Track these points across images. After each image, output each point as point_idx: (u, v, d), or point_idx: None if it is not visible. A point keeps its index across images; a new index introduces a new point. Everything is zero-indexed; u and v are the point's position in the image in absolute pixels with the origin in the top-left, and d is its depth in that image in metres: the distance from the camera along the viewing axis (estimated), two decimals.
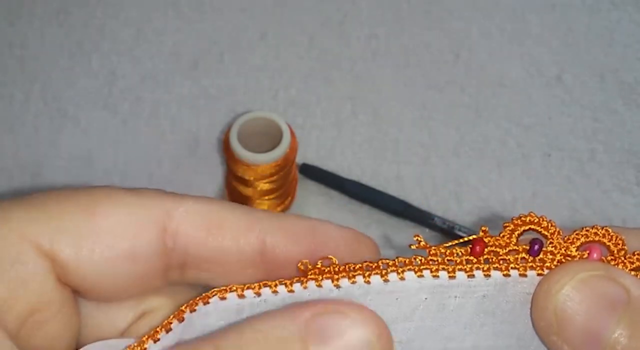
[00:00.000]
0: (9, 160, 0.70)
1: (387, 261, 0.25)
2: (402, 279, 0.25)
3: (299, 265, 0.26)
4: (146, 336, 0.25)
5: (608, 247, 0.26)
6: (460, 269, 0.25)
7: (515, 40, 0.81)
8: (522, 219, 0.26)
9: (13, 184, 0.68)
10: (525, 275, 0.25)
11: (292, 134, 0.62)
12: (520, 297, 0.26)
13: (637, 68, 0.78)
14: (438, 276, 0.25)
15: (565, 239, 0.26)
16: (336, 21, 0.81)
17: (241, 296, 0.25)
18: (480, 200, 0.68)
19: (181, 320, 0.25)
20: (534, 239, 0.25)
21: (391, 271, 0.25)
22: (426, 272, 0.25)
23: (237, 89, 0.76)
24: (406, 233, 0.66)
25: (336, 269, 0.25)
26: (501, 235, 0.26)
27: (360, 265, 0.25)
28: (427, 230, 0.65)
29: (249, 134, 0.61)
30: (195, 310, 0.25)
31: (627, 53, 0.80)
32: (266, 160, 0.59)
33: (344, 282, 0.25)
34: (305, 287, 0.25)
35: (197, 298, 0.25)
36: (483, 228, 0.26)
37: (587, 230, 0.26)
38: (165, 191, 0.27)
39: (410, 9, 0.83)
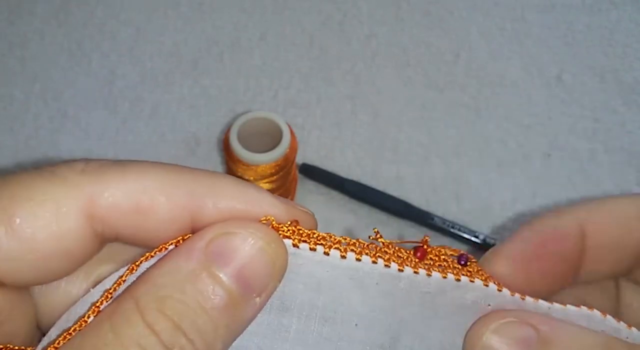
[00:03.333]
0: (8, 160, 0.70)
1: (348, 240, 0.28)
2: (359, 259, 0.28)
3: (262, 220, 0.27)
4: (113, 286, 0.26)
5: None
6: (407, 264, 0.29)
7: (515, 40, 0.81)
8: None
9: None
10: (459, 280, 0.30)
11: (292, 134, 0.62)
12: (457, 301, 0.30)
13: (637, 68, 0.78)
14: (389, 266, 0.29)
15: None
16: (336, 21, 0.81)
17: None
18: (480, 200, 0.68)
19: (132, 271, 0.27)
20: (461, 254, 0.31)
21: (350, 250, 0.28)
22: (380, 261, 0.29)
23: (237, 89, 0.76)
24: (406, 233, 0.66)
25: (300, 231, 0.28)
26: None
27: (324, 235, 0.28)
28: (426, 230, 0.65)
29: (249, 134, 0.61)
30: (139, 266, 0.27)
31: (627, 53, 0.80)
32: (266, 160, 0.59)
33: (304, 246, 0.28)
34: None
35: (142, 257, 0.27)
36: (426, 237, 0.31)
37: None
38: (87, 172, 0.26)
39: (410, 9, 0.83)
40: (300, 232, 0.28)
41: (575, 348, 0.26)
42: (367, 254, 0.29)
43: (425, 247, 0.30)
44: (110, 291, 0.26)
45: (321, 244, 0.28)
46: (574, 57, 0.79)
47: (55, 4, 0.81)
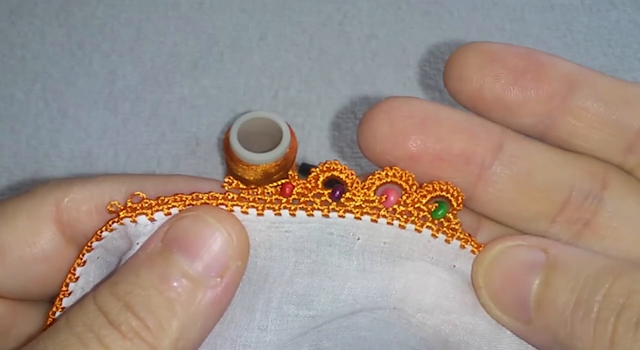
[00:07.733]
0: (9, 160, 0.70)
1: (201, 195, 0.27)
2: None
3: (108, 207, 0.27)
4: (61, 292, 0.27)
5: (400, 185, 0.28)
6: (268, 208, 0.27)
7: (515, 40, 0.81)
8: (327, 166, 0.28)
9: (14, 183, 0.68)
10: (328, 216, 0.27)
11: (292, 134, 0.62)
12: (326, 238, 0.28)
13: (637, 68, 0.78)
14: (247, 213, 0.27)
15: (363, 185, 0.28)
16: (336, 21, 0.82)
17: (98, 238, 0.27)
18: None
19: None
20: (335, 186, 0.28)
21: (202, 203, 0.27)
22: (236, 209, 0.27)
23: (237, 89, 0.76)
24: None
25: (148, 204, 0.27)
26: (308, 179, 0.28)
27: (173, 197, 0.27)
28: None
29: (249, 134, 0.61)
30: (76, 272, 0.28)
31: (626, 53, 0.80)
32: (266, 160, 0.59)
33: (159, 215, 0.26)
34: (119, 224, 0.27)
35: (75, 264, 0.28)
36: (291, 173, 0.28)
37: (379, 173, 0.28)
38: (57, 181, 0.28)
39: (410, 9, 0.83)
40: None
41: (583, 271, 0.25)
42: (222, 203, 0.27)
43: (292, 182, 0.28)
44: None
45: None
46: (574, 57, 0.79)
47: (56, 4, 0.81)
